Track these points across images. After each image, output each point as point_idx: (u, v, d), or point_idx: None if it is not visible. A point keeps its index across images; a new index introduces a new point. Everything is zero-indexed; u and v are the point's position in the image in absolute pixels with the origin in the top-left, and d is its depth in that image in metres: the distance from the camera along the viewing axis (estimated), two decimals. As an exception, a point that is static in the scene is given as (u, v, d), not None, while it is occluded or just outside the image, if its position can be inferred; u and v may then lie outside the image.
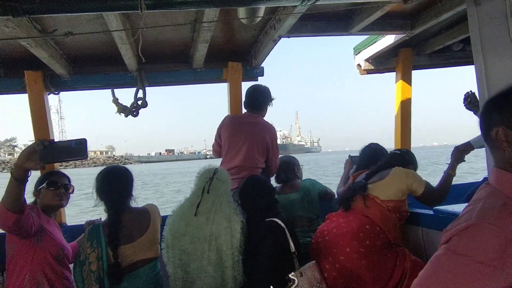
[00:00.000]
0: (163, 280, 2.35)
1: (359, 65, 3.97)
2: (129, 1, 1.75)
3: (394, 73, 3.96)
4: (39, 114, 3.17)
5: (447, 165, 2.57)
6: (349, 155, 3.28)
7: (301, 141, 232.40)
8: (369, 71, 3.97)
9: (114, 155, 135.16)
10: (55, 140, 1.88)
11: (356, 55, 3.99)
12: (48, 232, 2.26)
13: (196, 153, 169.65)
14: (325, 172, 31.39)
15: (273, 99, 3.25)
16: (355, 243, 2.23)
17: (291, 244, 2.19)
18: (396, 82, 3.89)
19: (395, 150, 2.80)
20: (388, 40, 3.53)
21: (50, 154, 1.76)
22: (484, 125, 1.02)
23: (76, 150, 1.79)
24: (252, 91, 3.20)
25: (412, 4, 2.60)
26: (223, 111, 3.65)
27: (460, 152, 2.59)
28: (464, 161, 2.63)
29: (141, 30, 1.84)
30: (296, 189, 3.17)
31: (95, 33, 2.30)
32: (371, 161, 2.77)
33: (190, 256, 2.22)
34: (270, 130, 3.16)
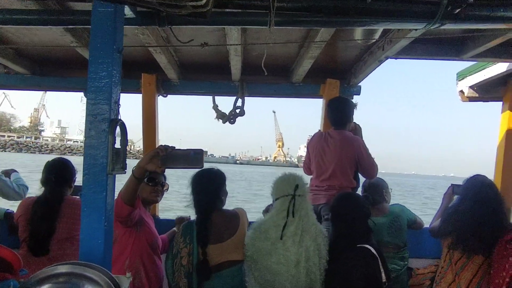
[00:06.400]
0: None
1: (461, 91, 3.77)
2: (259, 17, 1.86)
3: (501, 102, 3.71)
4: (150, 114, 3.47)
5: None
6: (452, 184, 2.95)
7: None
8: (472, 99, 3.76)
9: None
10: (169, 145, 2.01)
11: (459, 80, 3.80)
12: (145, 222, 2.44)
13: (229, 157, 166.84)
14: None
15: (356, 104, 3.19)
16: None
17: (383, 274, 2.09)
18: (502, 112, 3.64)
19: None
20: (499, 68, 3.32)
21: (170, 160, 1.87)
22: None
23: (194, 159, 1.88)
24: (337, 105, 3.11)
25: None
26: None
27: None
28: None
29: (266, 45, 1.95)
30: (384, 213, 3.07)
31: (223, 45, 2.46)
32: (478, 195, 2.56)
33: (277, 276, 2.17)
34: (355, 142, 3.01)
